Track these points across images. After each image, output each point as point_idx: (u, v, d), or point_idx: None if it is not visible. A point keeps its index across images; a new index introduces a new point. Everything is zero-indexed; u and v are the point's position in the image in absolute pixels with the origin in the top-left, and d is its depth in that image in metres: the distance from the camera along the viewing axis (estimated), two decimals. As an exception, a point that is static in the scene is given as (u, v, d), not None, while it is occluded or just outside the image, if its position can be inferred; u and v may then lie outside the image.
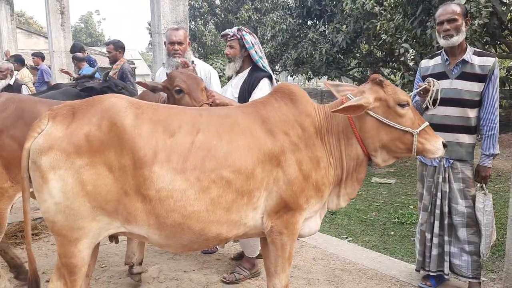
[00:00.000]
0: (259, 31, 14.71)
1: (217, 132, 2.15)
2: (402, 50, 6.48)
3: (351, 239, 4.68)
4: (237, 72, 3.48)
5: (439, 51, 3.13)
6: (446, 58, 3.02)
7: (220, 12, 19.16)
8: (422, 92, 2.81)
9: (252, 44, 3.33)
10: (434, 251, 3.09)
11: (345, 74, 12.88)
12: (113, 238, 3.30)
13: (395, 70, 12.03)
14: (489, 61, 2.88)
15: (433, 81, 2.77)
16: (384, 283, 3.32)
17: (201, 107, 2.54)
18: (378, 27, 7.76)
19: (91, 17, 46.28)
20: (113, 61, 5.56)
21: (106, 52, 5.81)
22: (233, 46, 3.38)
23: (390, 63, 11.23)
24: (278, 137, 2.20)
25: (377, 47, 10.33)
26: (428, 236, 3.13)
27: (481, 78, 2.87)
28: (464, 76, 2.92)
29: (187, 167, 2.04)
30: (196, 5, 18.27)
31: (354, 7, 8.90)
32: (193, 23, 19.12)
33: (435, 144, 2.29)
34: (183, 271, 3.54)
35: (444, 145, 2.31)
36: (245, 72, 3.41)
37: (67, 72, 7.85)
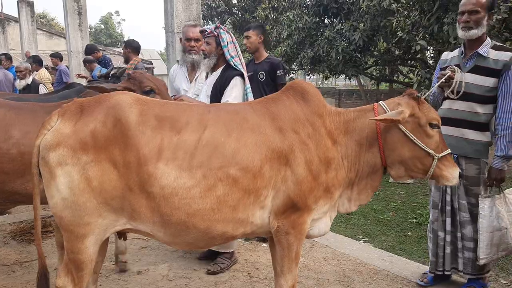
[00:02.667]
0: (275, 29, 14.69)
1: (225, 128, 2.12)
2: (418, 47, 6.34)
3: (367, 239, 4.61)
4: (212, 71, 3.49)
5: (460, 44, 3.01)
6: (463, 51, 2.92)
7: (237, 11, 19.19)
8: (445, 81, 2.73)
9: (227, 42, 3.34)
10: (448, 249, 3.01)
11: (363, 73, 12.75)
12: (121, 235, 3.35)
13: (413, 68, 11.83)
14: (506, 55, 2.72)
15: (457, 69, 2.69)
16: (395, 284, 3.25)
17: (208, 104, 2.50)
18: (394, 24, 7.63)
19: (111, 18, 47.00)
20: (126, 60, 5.62)
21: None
22: (210, 43, 3.39)
23: (408, 61, 11.05)
24: (287, 135, 2.16)
25: (394, 45, 10.17)
26: (441, 234, 3.05)
27: (495, 73, 2.74)
28: (476, 70, 2.80)
29: (193, 164, 2.02)
30: (213, 4, 18.33)
31: (371, 4, 8.79)
32: (210, 22, 19.20)
33: (452, 172, 2.26)
34: (192, 270, 3.55)
35: (460, 175, 2.28)
36: (219, 71, 3.43)
37: (83, 76, 7.97)
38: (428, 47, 6.79)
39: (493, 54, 2.77)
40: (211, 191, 2.03)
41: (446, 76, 2.72)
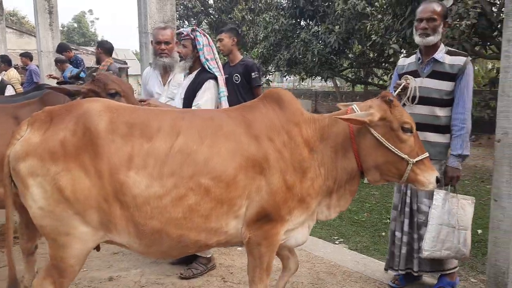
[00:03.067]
0: (252, 31, 14.70)
1: (198, 135, 2.06)
2: (391, 51, 6.45)
3: (342, 240, 4.64)
4: (189, 73, 3.47)
5: (416, 50, 3.11)
6: (419, 57, 3.01)
7: (213, 12, 19.13)
8: (401, 90, 2.79)
9: (203, 45, 3.31)
10: (403, 249, 3.08)
11: (338, 75, 12.92)
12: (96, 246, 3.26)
13: (387, 71, 12.05)
14: (460, 60, 2.86)
15: (411, 78, 2.76)
16: (368, 286, 3.28)
17: (182, 110, 2.44)
18: (368, 28, 7.75)
19: (84, 17, 46.11)
20: (98, 61, 5.51)
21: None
22: (186, 46, 3.35)
23: (382, 64, 11.25)
24: (262, 143, 2.10)
25: (368, 48, 10.34)
26: (398, 234, 3.12)
27: (451, 77, 2.84)
28: (434, 75, 2.90)
29: (164, 172, 1.97)
30: (189, 4, 18.21)
31: (345, 7, 8.92)
32: (186, 22, 19.09)
33: (428, 177, 2.19)
34: (165, 275, 3.48)
35: (437, 180, 2.22)
36: (194, 74, 3.40)
37: (54, 77, 7.78)
38: (401, 51, 6.91)
39: (449, 59, 2.88)
40: (183, 200, 1.99)
41: (401, 86, 2.79)
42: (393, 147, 2.14)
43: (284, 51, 11.74)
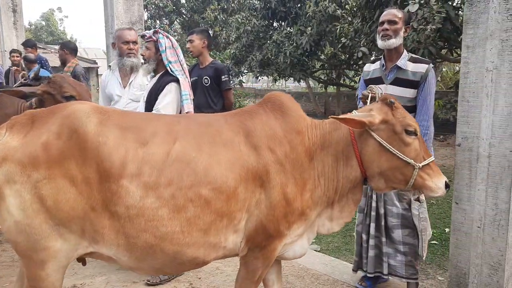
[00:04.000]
0: (225, 31, 14.65)
1: (196, 142, 1.91)
2: (360, 54, 6.55)
3: (314, 240, 4.67)
4: (154, 76, 3.45)
5: (381, 56, 3.15)
6: (383, 64, 3.06)
7: (185, 11, 18.96)
8: (367, 100, 2.82)
9: (165, 48, 3.28)
10: (371, 253, 3.11)
11: (310, 76, 13.02)
12: (81, 259, 3.17)
13: (359, 72, 12.23)
14: (422, 67, 2.89)
15: (376, 88, 2.79)
16: (335, 288, 3.31)
17: (178, 115, 2.28)
18: (338, 31, 7.84)
19: (53, 15, 44.87)
20: (62, 62, 5.35)
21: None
22: (149, 48, 3.33)
23: (354, 66, 11.41)
24: (263, 154, 1.95)
25: (340, 50, 10.47)
26: (364, 237, 3.16)
27: (414, 84, 2.89)
28: (397, 82, 2.95)
29: (161, 182, 1.82)
30: (161, 4, 18.00)
31: (317, 9, 9.00)
32: (158, 22, 18.85)
33: (437, 182, 2.03)
34: (132, 282, 3.42)
35: (447, 185, 2.06)
36: (157, 76, 3.38)
37: (23, 76, 7.50)
38: (370, 54, 7.01)
39: (411, 67, 2.92)
40: (181, 212, 1.84)
41: (369, 97, 2.82)
42: (397, 151, 1.99)
43: (257, 52, 11.76)
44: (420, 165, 2.00)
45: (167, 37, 3.31)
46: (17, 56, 7.15)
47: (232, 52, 12.55)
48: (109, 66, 3.86)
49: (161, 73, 3.34)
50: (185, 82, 3.31)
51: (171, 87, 3.23)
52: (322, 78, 14.66)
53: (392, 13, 2.93)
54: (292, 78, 13.48)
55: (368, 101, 2.46)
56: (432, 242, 4.34)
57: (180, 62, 3.34)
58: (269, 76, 13.58)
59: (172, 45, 3.31)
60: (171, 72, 3.29)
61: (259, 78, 14.54)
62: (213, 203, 1.87)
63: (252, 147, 1.96)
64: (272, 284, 2.34)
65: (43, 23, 42.92)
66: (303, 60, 11.20)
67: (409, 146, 2.01)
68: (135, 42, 3.64)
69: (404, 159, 2.00)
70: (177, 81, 3.26)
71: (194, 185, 1.85)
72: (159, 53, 3.28)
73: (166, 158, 1.85)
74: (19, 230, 1.77)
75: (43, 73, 6.44)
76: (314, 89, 21.76)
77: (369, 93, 2.72)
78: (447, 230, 4.55)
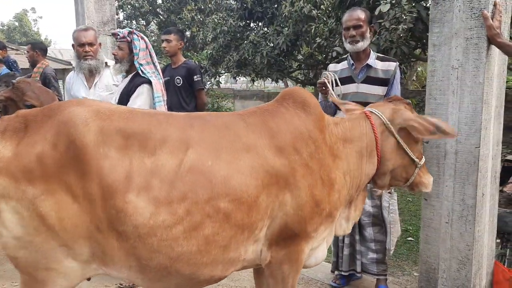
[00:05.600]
0: (201, 32, 14.55)
1: (213, 148, 1.73)
2: (334, 54, 6.59)
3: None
4: (126, 76, 3.39)
5: (346, 56, 3.19)
6: (352, 63, 3.10)
7: (162, 12, 18.78)
8: (324, 88, 2.86)
9: (139, 50, 3.23)
10: (346, 251, 3.16)
11: (287, 76, 13.05)
12: None
13: (335, 72, 12.32)
14: (391, 65, 2.99)
15: (328, 73, 2.84)
16: (310, 286, 3.32)
17: (191, 114, 2.01)
18: (314, 31, 7.88)
19: (26, 15, 43.81)
20: (32, 63, 5.21)
21: (51, 53, 5.46)
22: (122, 48, 3.27)
23: (321, 74, 11.48)
24: (288, 156, 1.82)
25: (316, 50, 10.53)
26: (340, 237, 3.18)
27: (384, 82, 2.97)
28: (369, 80, 3.01)
29: (174, 196, 1.63)
30: (137, 4, 17.76)
31: (292, 10, 9.01)
32: (134, 22, 18.62)
33: (429, 179, 2.18)
34: (103, 286, 3.35)
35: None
36: (129, 77, 3.32)
37: None
38: (345, 53, 7.06)
39: (380, 65, 3.00)
40: (198, 230, 1.66)
41: (328, 81, 2.88)
42: (409, 149, 2.05)
43: (234, 52, 11.69)
44: (421, 163, 2.09)
45: (142, 37, 3.25)
46: None
47: (209, 52, 12.47)
48: (74, 68, 3.77)
49: (133, 73, 3.28)
50: (158, 84, 3.26)
51: (143, 89, 3.17)
52: (300, 78, 14.71)
53: (355, 17, 2.97)
54: (270, 79, 13.50)
55: (329, 85, 2.49)
56: (408, 238, 4.40)
57: (154, 63, 3.30)
58: (246, 77, 13.54)
59: (147, 46, 3.26)
60: (143, 75, 3.23)
61: (237, 78, 14.51)
62: (233, 216, 1.70)
63: (277, 149, 1.82)
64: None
65: (16, 23, 41.87)
66: (280, 60, 11.19)
67: (417, 145, 2.09)
68: (91, 44, 3.52)
69: (413, 157, 2.05)
70: (149, 82, 3.21)
71: (212, 198, 1.67)
72: (133, 55, 3.22)
73: (178, 169, 1.66)
74: (19, 246, 1.61)
75: (4, 71, 6.28)
76: (293, 89, 21.81)
77: (325, 79, 2.76)
78: (420, 238, 4.62)
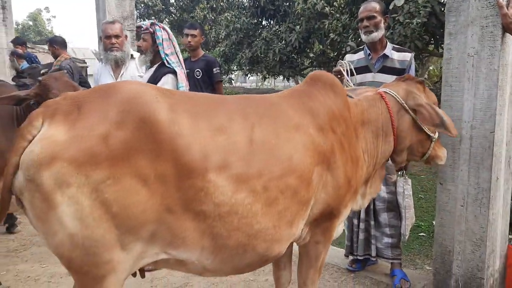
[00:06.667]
0: (214, 30, 14.69)
1: (271, 127, 1.75)
2: (348, 49, 6.67)
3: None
4: (151, 67, 3.52)
5: (362, 47, 3.30)
6: (369, 53, 3.20)
7: (175, 10, 18.97)
8: (339, 76, 2.96)
9: (162, 40, 3.36)
10: (361, 236, 3.25)
11: (299, 74, 13.13)
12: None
13: (347, 69, 12.36)
14: (407, 56, 3.10)
15: (343, 62, 2.93)
16: (327, 271, 3.41)
17: (239, 95, 2.03)
18: (327, 27, 7.96)
19: (40, 15, 44.45)
20: (55, 57, 5.37)
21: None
22: (146, 39, 3.41)
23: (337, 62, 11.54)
24: (328, 135, 1.88)
25: (328, 47, 10.60)
26: (355, 222, 3.29)
27: (400, 71, 3.05)
28: (385, 70, 3.11)
29: (252, 173, 1.62)
30: (150, 3, 17.98)
31: (305, 7, 9.10)
32: (147, 21, 18.83)
33: (444, 152, 2.33)
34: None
35: None
36: (154, 67, 3.46)
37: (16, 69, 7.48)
38: (358, 48, 7.15)
39: (397, 56, 3.11)
40: (273, 206, 1.68)
41: (344, 69, 2.98)
42: (424, 126, 2.16)
43: (246, 49, 11.82)
44: (436, 137, 2.21)
45: (164, 29, 3.39)
46: None
47: (221, 50, 12.62)
48: (101, 59, 3.92)
49: (157, 64, 3.41)
50: (182, 74, 3.39)
51: (167, 78, 3.30)
52: (311, 75, 14.80)
53: (368, 8, 3.09)
54: (280, 77, 13.58)
55: (344, 73, 2.59)
56: (420, 234, 4.45)
57: (176, 54, 3.42)
58: (258, 74, 13.66)
59: (169, 37, 3.39)
60: (168, 65, 3.36)
61: (248, 76, 14.64)
62: (298, 192, 1.74)
63: (319, 129, 1.87)
64: (284, 267, 2.34)
65: (30, 23, 42.47)
66: (292, 58, 11.32)
67: None
68: (117, 36, 3.67)
69: (428, 132, 2.17)
70: (173, 72, 3.34)
71: (283, 174, 1.69)
72: (156, 45, 3.35)
73: (250, 146, 1.64)
74: (75, 244, 1.44)
75: (25, 66, 6.48)
76: (303, 87, 21.87)
77: (340, 67, 2.86)
78: (434, 222, 4.67)
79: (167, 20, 19.40)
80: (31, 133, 1.46)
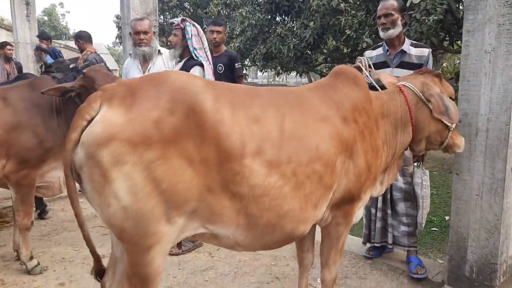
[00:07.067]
0: (228, 26, 14.82)
1: (302, 118, 1.93)
2: (365, 45, 6.77)
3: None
4: (179, 61, 3.71)
5: (381, 43, 3.43)
6: (387, 49, 3.34)
7: (189, 6, 19.14)
8: (363, 69, 3.08)
9: (191, 35, 3.54)
10: (378, 224, 3.40)
11: (313, 70, 13.23)
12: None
13: (360, 66, 12.40)
14: (424, 51, 3.23)
15: (363, 58, 3.06)
16: (345, 257, 3.57)
17: (271, 88, 2.22)
18: (343, 23, 8.06)
19: (55, 10, 45.03)
20: (81, 52, 5.58)
21: (74, 46, 5.84)
22: (176, 35, 3.61)
23: (355, 58, 11.60)
24: (351, 125, 2.07)
25: (343, 43, 10.67)
26: (372, 210, 3.44)
27: (418, 67, 3.16)
28: (403, 65, 3.24)
29: (282, 159, 1.80)
30: (165, -1, 18.18)
31: (320, 3, 9.19)
32: (161, 17, 19.03)
33: (462, 140, 2.46)
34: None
35: None
36: (183, 61, 3.65)
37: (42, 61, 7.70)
38: (374, 45, 7.24)
39: (414, 51, 3.24)
40: (300, 189, 1.87)
41: (357, 67, 3.05)
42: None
43: (261, 45, 11.93)
44: (453, 127, 2.33)
45: (194, 25, 3.57)
46: (8, 49, 7.41)
47: (236, 45, 12.75)
48: (130, 54, 4.11)
49: (186, 58, 3.60)
50: (209, 68, 3.57)
51: (195, 70, 3.47)
52: (324, 71, 14.86)
53: (386, 6, 3.21)
54: (292, 73, 13.68)
55: (363, 69, 2.73)
56: (433, 229, 4.56)
57: (204, 49, 3.60)
58: (272, 70, 13.77)
59: (198, 33, 3.57)
60: (196, 58, 3.54)
61: (263, 72, 14.75)
62: (323, 177, 1.93)
63: (343, 120, 2.06)
64: (307, 249, 2.53)
65: (46, 18, 43.02)
66: (307, 54, 11.41)
67: None
68: (146, 32, 3.87)
69: (446, 123, 2.30)
70: (201, 65, 3.51)
71: (310, 161, 1.88)
72: (186, 40, 3.53)
73: (281, 135, 1.83)
74: (127, 215, 1.61)
75: (49, 60, 6.70)
76: (316, 83, 21.95)
77: (359, 63, 2.99)
78: (447, 218, 4.79)
79: (181, 15, 19.59)
80: (90, 114, 1.63)
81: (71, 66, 4.02)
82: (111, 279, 2.04)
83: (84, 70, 3.11)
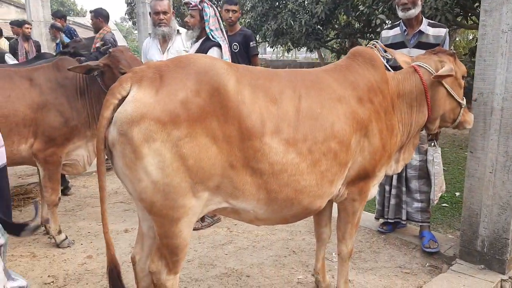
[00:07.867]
0: (239, 1, 14.66)
1: (318, 99, 2.02)
2: (378, 21, 6.73)
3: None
4: (196, 42, 3.76)
5: (398, 22, 3.42)
6: (405, 29, 3.34)
7: (198, -19, 18.89)
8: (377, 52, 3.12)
9: (209, 16, 3.58)
10: (392, 201, 3.49)
11: (324, 45, 13.12)
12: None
13: (372, 41, 12.27)
14: (442, 31, 3.24)
15: (375, 41, 3.08)
16: (360, 232, 3.69)
17: (288, 70, 2.27)
18: (355, -1, 7.98)
19: (63, -14, 44.63)
20: (96, 30, 5.59)
21: (82, 22, 5.86)
22: (194, 16, 3.64)
23: (368, 34, 11.49)
24: (366, 105, 2.15)
25: (355, 18, 10.55)
26: (387, 188, 3.52)
27: (435, 46, 3.14)
28: (420, 45, 3.24)
29: (298, 138, 1.91)
30: (174, -26, 17.92)
31: (333, -22, 9.07)
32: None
33: (471, 116, 2.58)
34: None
35: None
36: (200, 42, 3.70)
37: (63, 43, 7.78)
38: (387, 21, 7.18)
39: (432, 31, 3.25)
40: (316, 166, 1.97)
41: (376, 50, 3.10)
42: (456, 94, 2.40)
43: (272, 21, 11.85)
44: (464, 104, 2.43)
45: (211, 6, 3.60)
46: (26, 28, 7.46)
47: (247, 21, 12.67)
48: (149, 34, 4.17)
49: (203, 38, 3.65)
50: (226, 48, 3.62)
51: (213, 51, 3.53)
52: (335, 47, 14.73)
53: None
54: (301, 49, 13.57)
55: (376, 52, 2.76)
56: (443, 205, 4.63)
57: (221, 29, 3.64)
58: (283, 45, 13.68)
59: (215, 13, 3.60)
60: (213, 39, 3.59)
61: (273, 48, 14.65)
62: (339, 155, 2.03)
63: (358, 100, 2.14)
64: (325, 224, 2.65)
65: (54, -6, 42.73)
66: (318, 29, 11.32)
67: (461, 89, 2.44)
68: (165, 12, 3.90)
69: (459, 100, 2.40)
70: (218, 45, 3.57)
71: (326, 139, 1.97)
72: (203, 21, 3.57)
73: (298, 115, 1.93)
74: (157, 190, 1.73)
75: (65, 39, 6.75)
76: (325, 59, 21.77)
77: (373, 46, 3.01)
78: (457, 194, 4.86)
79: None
80: (121, 93, 1.74)
81: (96, 46, 4.12)
82: (139, 253, 2.18)
83: (110, 50, 3.19)
